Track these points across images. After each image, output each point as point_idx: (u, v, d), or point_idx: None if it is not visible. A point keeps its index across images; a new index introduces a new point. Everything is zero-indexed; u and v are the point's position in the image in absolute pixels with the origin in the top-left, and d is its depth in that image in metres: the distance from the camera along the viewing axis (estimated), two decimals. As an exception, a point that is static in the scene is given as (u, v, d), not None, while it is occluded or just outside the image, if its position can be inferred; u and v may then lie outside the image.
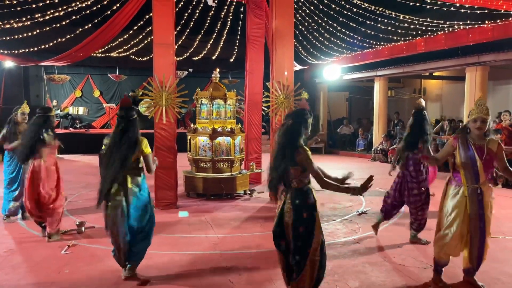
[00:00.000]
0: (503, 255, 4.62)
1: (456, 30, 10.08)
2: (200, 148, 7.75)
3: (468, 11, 8.74)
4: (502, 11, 8.40)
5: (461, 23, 9.44)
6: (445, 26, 9.70)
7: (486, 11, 8.57)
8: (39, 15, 9.97)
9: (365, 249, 4.89)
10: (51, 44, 11.59)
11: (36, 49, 11.77)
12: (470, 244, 3.62)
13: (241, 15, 11.25)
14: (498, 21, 9.13)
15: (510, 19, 8.97)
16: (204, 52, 14.43)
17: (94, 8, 10.23)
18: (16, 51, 11.68)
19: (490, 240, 3.70)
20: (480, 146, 3.59)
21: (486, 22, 9.27)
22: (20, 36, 11.03)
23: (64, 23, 10.71)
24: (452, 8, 8.69)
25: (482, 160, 3.55)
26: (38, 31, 10.94)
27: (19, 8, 9.64)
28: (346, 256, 4.64)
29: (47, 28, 10.87)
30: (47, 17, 10.10)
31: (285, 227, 3.11)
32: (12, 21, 10.14)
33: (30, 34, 10.99)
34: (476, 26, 9.51)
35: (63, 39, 11.39)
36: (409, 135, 5.09)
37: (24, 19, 10.12)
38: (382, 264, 4.39)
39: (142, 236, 3.94)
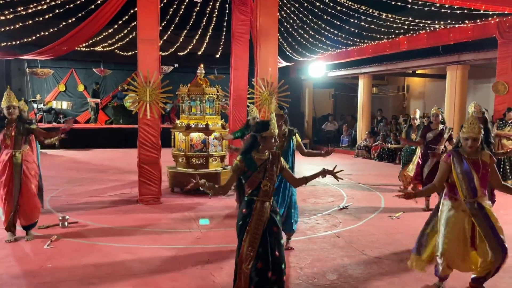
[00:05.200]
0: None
1: (437, 29, 10.29)
2: (180, 143, 7.85)
3: (449, 11, 8.94)
4: (482, 11, 8.62)
5: (442, 22, 9.64)
6: (427, 25, 9.90)
7: (466, 11, 8.77)
8: (22, 8, 9.83)
9: (345, 242, 5.02)
10: (33, 37, 11.44)
11: (18, 42, 11.60)
12: (495, 260, 3.41)
13: (227, 11, 11.25)
14: (478, 21, 9.36)
15: (489, 19, 9.21)
16: (190, 47, 14.40)
17: (78, 2, 10.13)
18: (-2, 45, 11.51)
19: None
20: (475, 160, 3.49)
21: (466, 22, 9.48)
22: (2, 29, 10.86)
23: (47, 16, 10.58)
24: (433, 8, 8.87)
25: (479, 174, 3.46)
26: (20, 24, 10.78)
27: (1, 1, 9.49)
28: (325, 249, 4.77)
29: (30, 22, 10.73)
30: (30, 10, 9.96)
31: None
32: (-6, 14, 9.99)
33: (12, 27, 10.82)
34: (456, 25, 9.73)
35: (46, 33, 11.25)
36: None
37: (6, 12, 9.97)
38: (360, 257, 4.53)
39: None
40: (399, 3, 8.93)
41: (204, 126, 7.71)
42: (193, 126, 7.68)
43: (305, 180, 3.38)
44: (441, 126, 6.48)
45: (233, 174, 3.24)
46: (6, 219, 4.88)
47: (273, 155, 3.26)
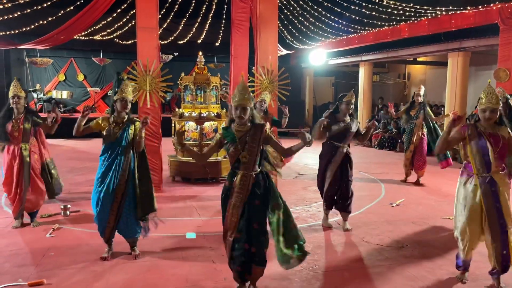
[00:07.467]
0: None
1: (439, 16, 10.18)
2: (187, 133, 7.85)
3: (450, -3, 8.85)
4: (483, -3, 8.54)
5: (443, 8, 9.54)
6: (428, 11, 9.80)
7: (468, -4, 8.69)
8: (20, -4, 9.77)
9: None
10: (32, 26, 11.36)
11: (17, 31, 11.53)
12: (493, 242, 3.34)
13: (226, -1, 11.16)
14: (479, 7, 9.26)
15: (491, 5, 9.11)
16: (189, 36, 14.29)
17: (76, -10, 10.07)
18: (-4, 34, 11.45)
19: None
20: (493, 134, 3.36)
21: (468, 8, 9.38)
22: (0, 18, 10.79)
23: (45, 5, 10.50)
24: (434, -6, 8.78)
25: (498, 148, 3.32)
26: (19, 13, 10.71)
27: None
28: (326, 237, 4.79)
29: (28, 10, 10.64)
30: (28, -1, 9.91)
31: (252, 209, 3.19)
32: (-8, 3, 9.92)
33: (10, 16, 10.76)
34: (458, 12, 9.63)
35: (45, 22, 11.17)
36: None
37: (4, 1, 9.90)
38: (360, 244, 4.55)
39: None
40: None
41: (216, 114, 7.70)
42: (204, 115, 7.66)
43: (292, 150, 3.21)
44: (348, 118, 5.04)
45: (213, 145, 3.32)
46: (16, 211, 4.96)
47: (256, 126, 3.20)
